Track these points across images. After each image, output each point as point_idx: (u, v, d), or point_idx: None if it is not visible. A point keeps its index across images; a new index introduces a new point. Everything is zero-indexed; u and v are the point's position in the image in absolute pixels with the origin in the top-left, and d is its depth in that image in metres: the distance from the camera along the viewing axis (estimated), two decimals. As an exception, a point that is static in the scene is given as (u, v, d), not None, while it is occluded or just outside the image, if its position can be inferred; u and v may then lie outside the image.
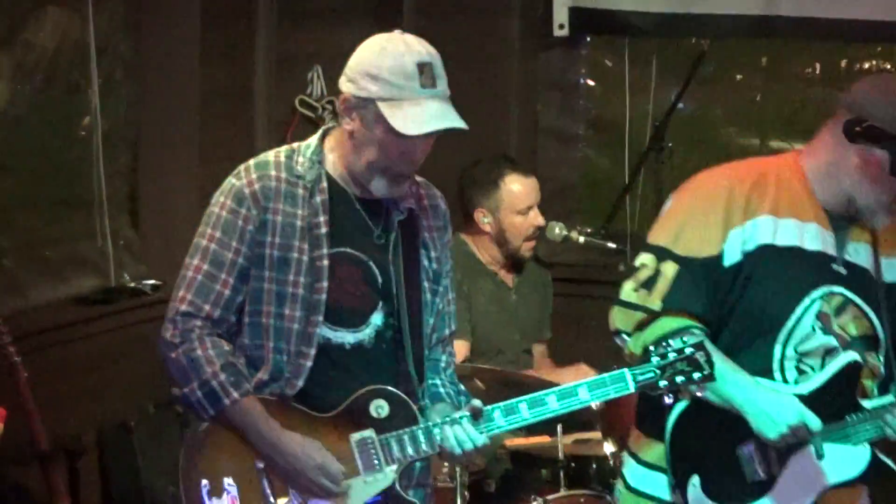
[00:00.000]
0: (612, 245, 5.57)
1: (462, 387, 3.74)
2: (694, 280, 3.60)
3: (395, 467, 3.50)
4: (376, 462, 3.50)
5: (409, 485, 3.60)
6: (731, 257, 3.62)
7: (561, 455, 4.90)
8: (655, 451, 3.76)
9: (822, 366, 3.69)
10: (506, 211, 5.32)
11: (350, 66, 3.45)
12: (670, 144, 5.63)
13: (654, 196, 5.55)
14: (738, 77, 6.64)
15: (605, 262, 5.70)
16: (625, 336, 3.66)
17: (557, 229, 5.50)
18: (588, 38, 6.64)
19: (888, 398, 3.71)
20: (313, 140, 3.56)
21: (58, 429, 5.05)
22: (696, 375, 3.45)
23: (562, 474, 4.90)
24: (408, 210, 3.57)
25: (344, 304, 3.51)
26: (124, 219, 5.85)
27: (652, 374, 3.45)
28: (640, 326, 3.62)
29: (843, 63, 6.44)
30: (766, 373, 3.68)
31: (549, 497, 4.80)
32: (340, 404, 3.51)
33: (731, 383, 3.56)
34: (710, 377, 3.44)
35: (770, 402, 3.57)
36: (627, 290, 3.67)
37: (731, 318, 3.66)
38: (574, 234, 5.52)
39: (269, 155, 3.55)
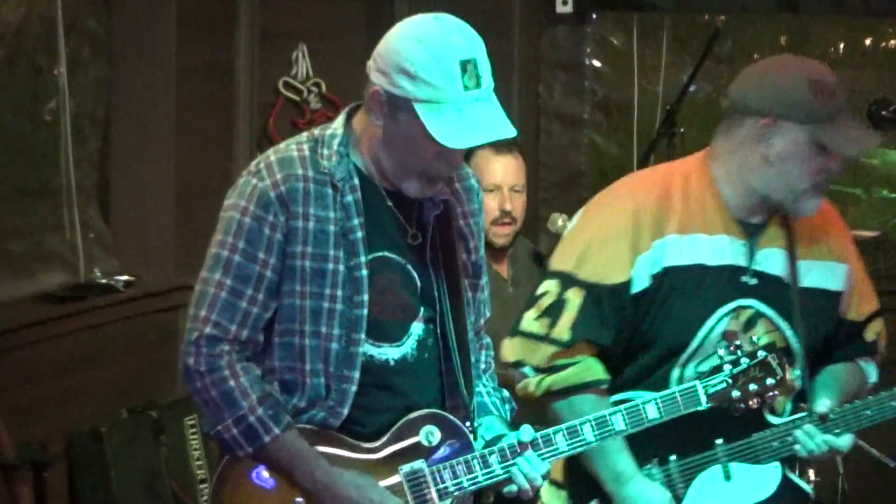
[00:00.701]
0: None
1: (505, 392, 3.48)
2: (601, 308, 3.50)
3: (448, 501, 3.24)
4: (429, 498, 3.23)
5: None
6: (640, 284, 3.50)
7: (564, 466, 4.61)
8: (560, 468, 3.65)
9: None
10: None
11: (381, 54, 3.11)
12: (682, 129, 5.46)
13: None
14: (756, 56, 6.37)
15: None
16: (526, 371, 3.54)
17: (560, 221, 5.25)
18: (594, 15, 6.52)
19: (799, 414, 3.60)
20: (338, 127, 3.23)
21: (23, 437, 4.87)
22: (770, 381, 3.28)
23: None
24: (442, 202, 3.28)
25: (386, 317, 3.23)
26: (94, 209, 5.70)
27: (724, 385, 3.28)
28: (551, 366, 3.51)
29: (868, 41, 6.32)
30: None
31: (551, 512, 4.60)
32: (386, 430, 3.24)
33: (609, 465, 3.48)
34: (783, 381, 3.30)
35: (640, 499, 3.52)
36: (529, 320, 3.56)
37: (637, 347, 3.56)
38: (578, 226, 5.22)
39: (292, 149, 3.22)
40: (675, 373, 3.52)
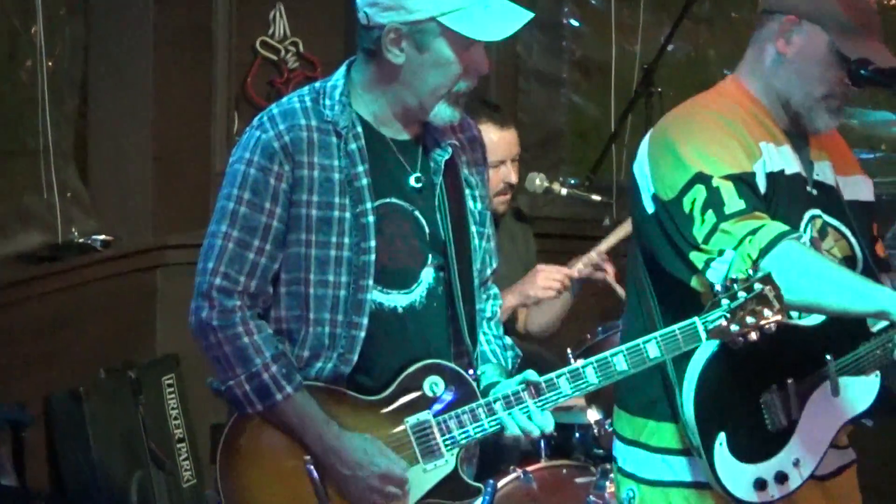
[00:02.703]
0: (596, 197, 5.38)
1: (508, 339, 3.50)
2: (753, 189, 3.36)
3: (456, 451, 3.25)
4: (436, 448, 3.24)
5: (465, 458, 3.34)
6: (762, 186, 3.42)
7: (542, 423, 4.63)
8: (671, 434, 3.57)
9: None
10: None
11: None
12: (660, 89, 5.49)
13: (644, 144, 5.33)
14: (734, 15, 6.43)
15: (590, 215, 5.53)
16: (724, 258, 3.28)
17: (538, 180, 5.26)
18: (572, -26, 6.54)
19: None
20: (339, 78, 3.25)
21: (1, 397, 4.92)
22: (767, 313, 3.21)
23: (542, 444, 4.67)
24: (449, 147, 3.30)
25: (394, 263, 3.24)
26: (72, 169, 5.65)
27: (723, 319, 3.22)
28: (750, 232, 3.29)
29: None
30: None
31: (530, 468, 4.58)
32: (393, 380, 3.25)
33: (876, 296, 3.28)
34: (782, 311, 3.22)
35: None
36: (696, 231, 3.33)
37: None
38: (556, 186, 5.28)
39: (294, 101, 3.23)
40: None
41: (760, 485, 3.46)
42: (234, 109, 5.88)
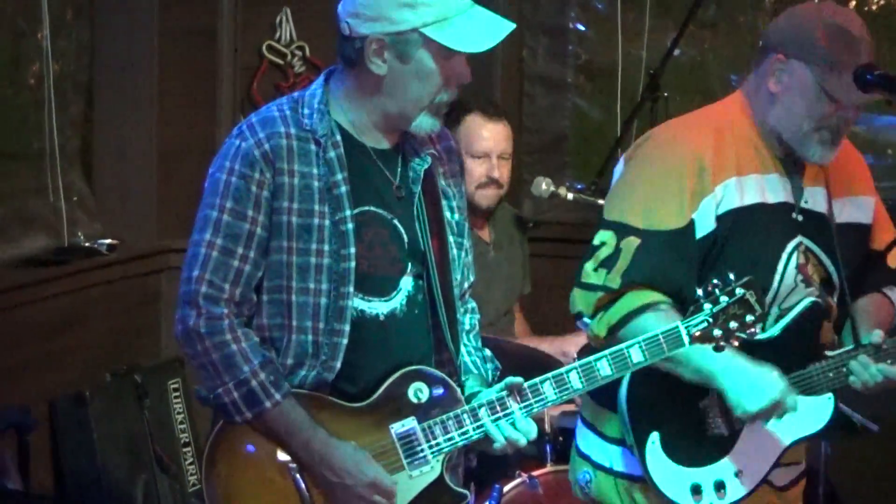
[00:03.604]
0: (602, 202, 5.25)
1: (488, 352, 3.50)
2: (656, 253, 3.45)
3: (441, 457, 3.26)
4: (421, 454, 3.24)
5: (449, 466, 3.33)
6: (705, 227, 3.48)
7: (547, 428, 4.67)
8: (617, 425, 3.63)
9: None
10: (461, 150, 5.00)
11: (365, 4, 3.15)
12: (666, 94, 5.50)
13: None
14: (741, 19, 6.43)
15: (595, 220, 5.43)
16: (586, 320, 3.50)
17: (544, 185, 5.26)
18: (578, -22, 6.52)
19: (848, 346, 3.60)
20: (317, 87, 3.28)
21: (5, 400, 4.91)
22: (749, 318, 3.24)
23: (548, 449, 4.69)
24: (429, 157, 3.31)
25: (374, 270, 3.25)
26: (77, 173, 5.68)
27: (705, 324, 3.24)
28: (603, 307, 3.47)
29: (853, 3, 6.22)
30: None
31: (535, 473, 4.58)
32: (377, 387, 3.26)
33: (708, 354, 3.38)
34: (763, 318, 3.27)
35: (753, 375, 3.43)
36: (587, 271, 3.50)
37: None
38: (562, 191, 5.28)
39: (272, 110, 3.26)
40: (774, 311, 3.53)
41: (696, 490, 3.49)
42: (239, 113, 5.87)
